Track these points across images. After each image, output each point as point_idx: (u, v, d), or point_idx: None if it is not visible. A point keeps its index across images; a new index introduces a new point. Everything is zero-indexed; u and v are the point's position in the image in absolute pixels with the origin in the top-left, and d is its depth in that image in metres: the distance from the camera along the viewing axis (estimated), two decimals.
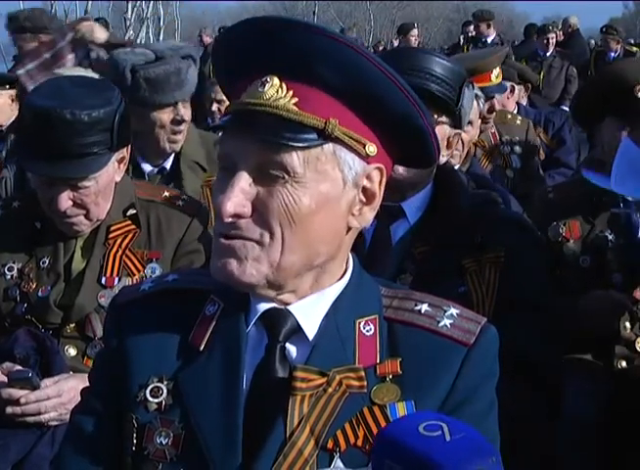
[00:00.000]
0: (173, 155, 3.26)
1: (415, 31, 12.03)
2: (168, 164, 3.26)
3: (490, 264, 2.18)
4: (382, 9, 42.09)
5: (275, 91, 1.23)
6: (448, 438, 0.92)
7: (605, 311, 2.63)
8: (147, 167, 3.24)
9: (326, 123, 1.23)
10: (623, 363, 2.66)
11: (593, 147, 3.13)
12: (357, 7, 41.08)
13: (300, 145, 1.22)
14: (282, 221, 1.24)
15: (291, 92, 1.24)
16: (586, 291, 2.66)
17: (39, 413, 2.23)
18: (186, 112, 3.15)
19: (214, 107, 6.11)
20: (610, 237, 2.74)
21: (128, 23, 22.66)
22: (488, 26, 10.75)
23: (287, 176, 1.23)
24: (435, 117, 2.16)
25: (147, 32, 24.85)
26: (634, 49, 11.58)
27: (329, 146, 1.25)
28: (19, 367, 2.27)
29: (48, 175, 2.32)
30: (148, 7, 23.56)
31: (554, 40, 10.35)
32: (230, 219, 1.24)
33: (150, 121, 3.09)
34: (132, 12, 22.85)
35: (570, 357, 2.62)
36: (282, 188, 1.23)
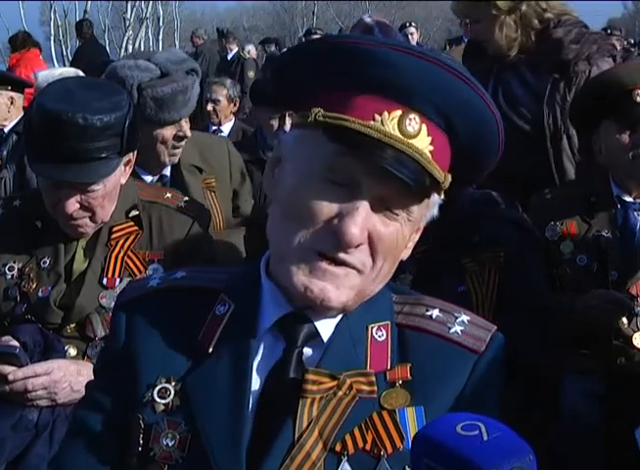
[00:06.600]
0: None
1: (411, 29, 12.03)
2: (168, 172, 3.25)
3: (490, 264, 2.18)
4: (381, 9, 41.99)
5: (417, 132, 1.21)
6: (486, 437, 0.93)
7: (606, 311, 2.64)
8: (147, 178, 3.21)
9: (445, 177, 1.26)
10: (622, 359, 2.66)
11: (585, 150, 3.12)
12: (357, 7, 40.98)
13: (427, 196, 1.25)
14: (387, 254, 1.26)
15: (430, 138, 1.23)
16: (584, 289, 2.67)
17: (26, 391, 2.20)
18: (188, 127, 3.13)
19: (209, 106, 6.14)
20: (607, 236, 2.75)
21: (127, 24, 22.66)
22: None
23: (404, 215, 1.26)
24: None
25: (146, 33, 24.87)
26: (632, 50, 11.58)
27: (434, 195, 1.29)
28: (9, 343, 2.23)
29: (57, 179, 2.29)
30: (147, 7, 23.55)
31: None
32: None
33: (152, 137, 3.05)
34: (131, 12, 22.85)
35: (568, 356, 2.62)
36: (396, 223, 1.26)
